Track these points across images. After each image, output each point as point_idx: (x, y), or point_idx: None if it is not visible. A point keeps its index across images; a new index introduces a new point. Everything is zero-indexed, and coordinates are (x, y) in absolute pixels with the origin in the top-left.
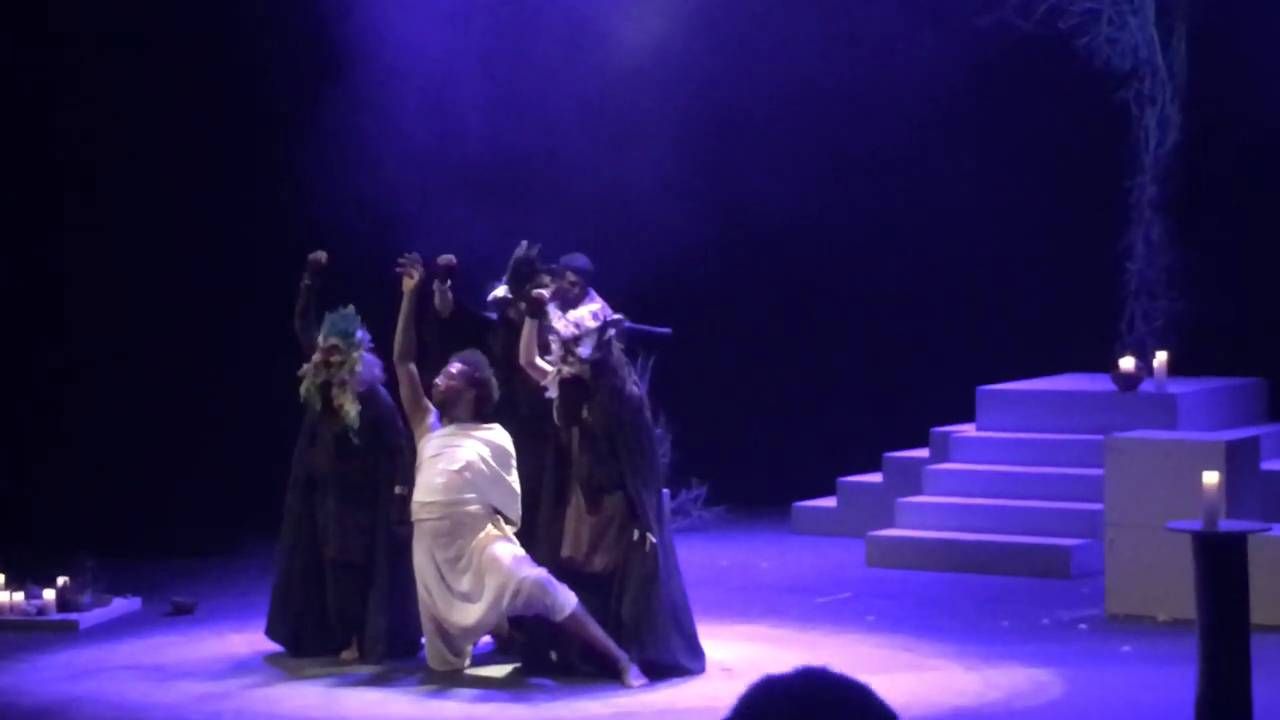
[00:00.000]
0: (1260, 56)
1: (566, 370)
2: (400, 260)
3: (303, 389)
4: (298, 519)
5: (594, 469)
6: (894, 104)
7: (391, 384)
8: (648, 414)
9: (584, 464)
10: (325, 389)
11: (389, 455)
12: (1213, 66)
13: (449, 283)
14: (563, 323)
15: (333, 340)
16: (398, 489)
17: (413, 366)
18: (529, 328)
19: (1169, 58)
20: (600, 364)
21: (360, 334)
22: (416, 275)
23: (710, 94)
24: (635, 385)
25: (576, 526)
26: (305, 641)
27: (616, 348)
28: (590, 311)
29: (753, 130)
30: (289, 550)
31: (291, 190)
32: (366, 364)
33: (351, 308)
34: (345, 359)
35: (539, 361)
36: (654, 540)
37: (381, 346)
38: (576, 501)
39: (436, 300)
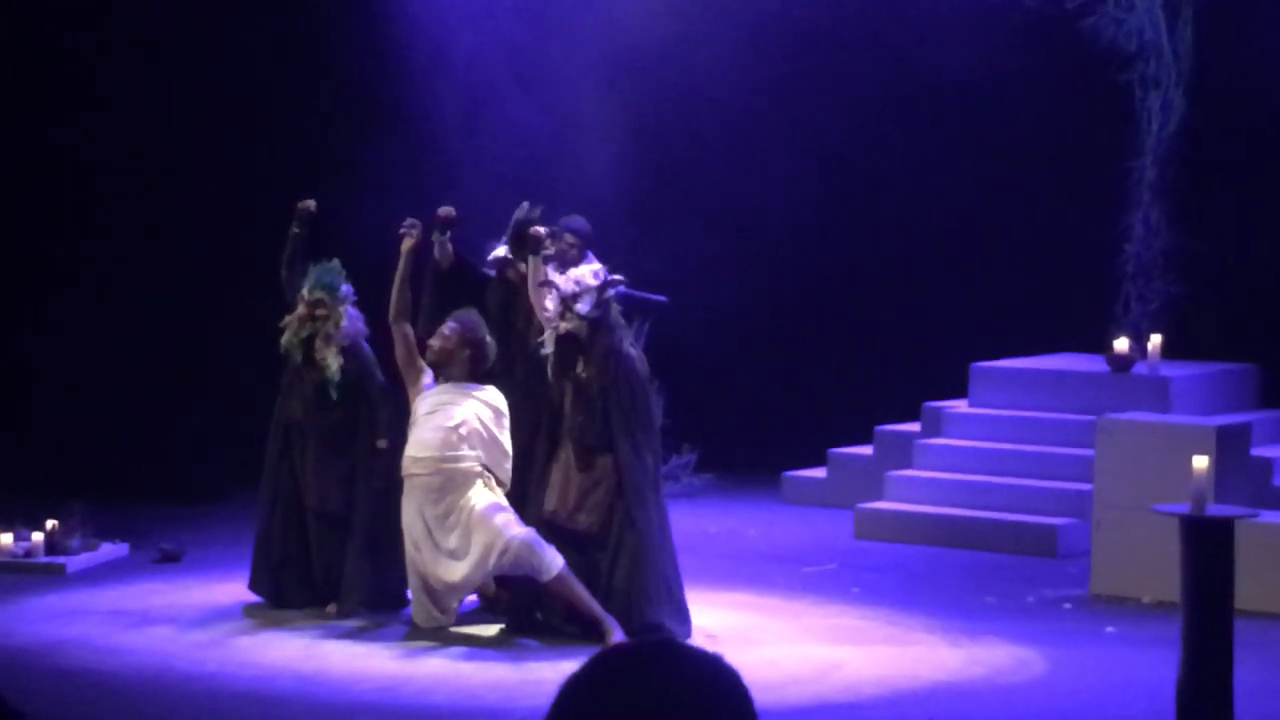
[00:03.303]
0: (1265, 42)
1: (564, 326)
2: (404, 224)
3: (284, 340)
4: (276, 470)
5: (586, 427)
6: (894, 79)
7: (381, 340)
8: (644, 375)
9: (576, 422)
10: (308, 341)
11: (370, 406)
12: (1217, 51)
13: (448, 234)
14: (564, 279)
15: (318, 294)
16: (380, 443)
17: (408, 326)
18: (533, 264)
19: (1174, 41)
20: (598, 321)
21: (345, 288)
22: (416, 237)
23: (694, 70)
24: (632, 346)
25: (564, 483)
26: (288, 594)
27: (615, 309)
28: (592, 271)
29: (744, 103)
30: (269, 502)
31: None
32: (350, 318)
33: (336, 261)
34: (330, 313)
35: (546, 302)
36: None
37: (364, 302)
38: (566, 457)
39: (436, 251)
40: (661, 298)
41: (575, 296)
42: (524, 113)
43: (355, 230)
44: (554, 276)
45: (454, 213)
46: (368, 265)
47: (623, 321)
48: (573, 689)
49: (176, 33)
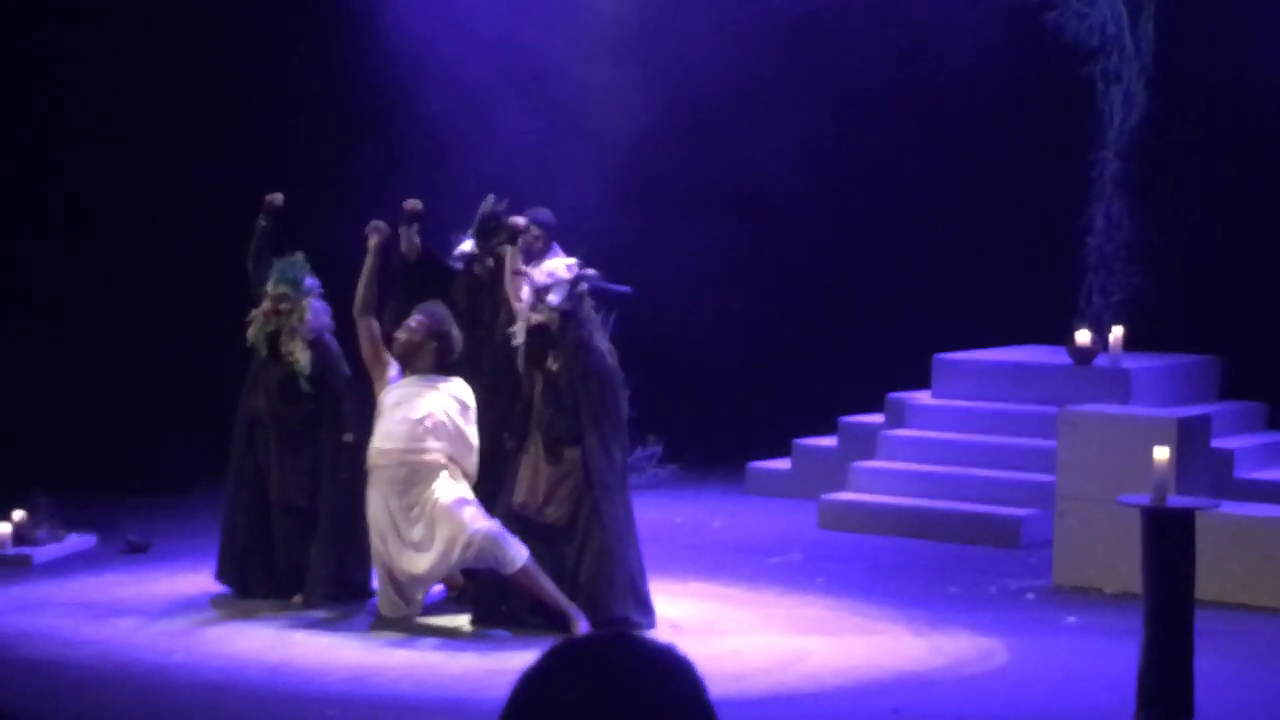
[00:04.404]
0: (1227, 36)
1: (535, 318)
2: (370, 225)
3: (249, 335)
4: (241, 463)
5: (555, 420)
6: (858, 75)
7: (347, 336)
8: (614, 369)
9: (545, 415)
10: (274, 336)
11: (333, 401)
12: (1179, 45)
13: (415, 226)
14: (537, 270)
15: (282, 288)
16: (346, 437)
17: (373, 320)
18: (511, 253)
19: (1136, 35)
20: (570, 314)
21: (309, 281)
22: (383, 233)
23: (682, 68)
24: (602, 340)
25: (533, 476)
26: (253, 585)
27: (587, 302)
28: (566, 264)
29: (720, 94)
30: (233, 494)
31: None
32: (315, 311)
33: (300, 255)
34: (295, 307)
35: (522, 293)
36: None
37: (340, 302)
38: (535, 450)
39: (403, 244)
40: (627, 288)
41: (547, 288)
42: (516, 113)
43: (340, 233)
44: (526, 268)
45: (420, 205)
46: (350, 267)
47: (594, 315)
48: (527, 683)
49: (170, 33)
